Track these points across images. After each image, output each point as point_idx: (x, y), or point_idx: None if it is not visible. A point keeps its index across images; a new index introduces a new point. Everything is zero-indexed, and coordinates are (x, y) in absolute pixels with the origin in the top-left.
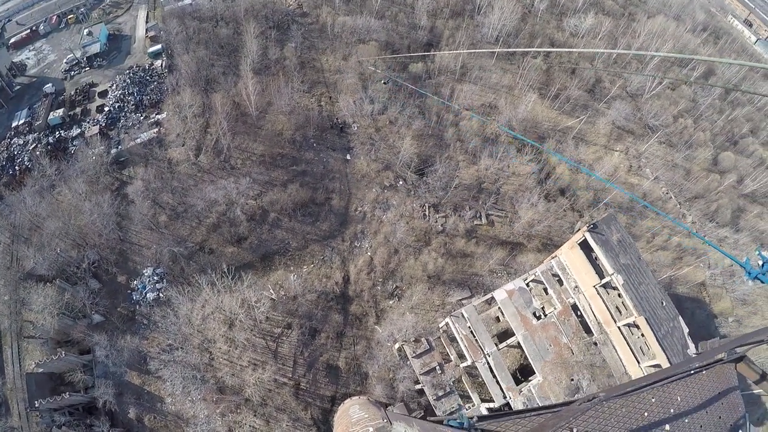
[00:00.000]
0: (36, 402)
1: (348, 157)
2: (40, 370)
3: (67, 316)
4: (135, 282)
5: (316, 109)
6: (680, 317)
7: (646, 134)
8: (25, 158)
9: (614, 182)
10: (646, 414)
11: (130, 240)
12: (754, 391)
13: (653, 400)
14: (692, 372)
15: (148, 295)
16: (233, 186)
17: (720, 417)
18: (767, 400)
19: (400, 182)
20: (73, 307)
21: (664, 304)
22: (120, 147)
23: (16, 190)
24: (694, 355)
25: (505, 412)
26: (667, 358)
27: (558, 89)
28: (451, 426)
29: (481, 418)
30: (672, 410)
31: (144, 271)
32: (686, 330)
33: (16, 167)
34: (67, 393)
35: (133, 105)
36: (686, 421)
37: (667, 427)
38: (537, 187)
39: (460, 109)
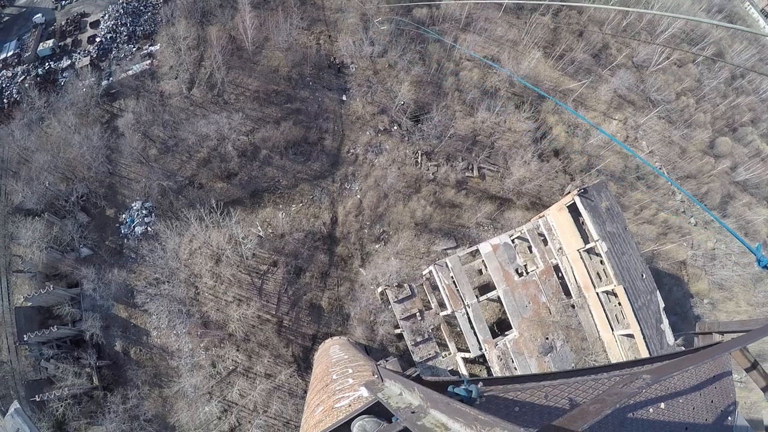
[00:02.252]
0: (24, 336)
1: (344, 98)
2: (29, 303)
3: (55, 250)
4: (123, 216)
5: (315, 47)
6: (658, 292)
7: (647, 107)
8: (14, 90)
9: (609, 151)
10: (644, 390)
11: (119, 173)
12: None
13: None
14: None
15: (136, 228)
16: (225, 121)
17: (712, 401)
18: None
19: (395, 127)
20: (62, 241)
21: (644, 276)
22: (111, 79)
23: (4, 124)
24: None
25: (514, 376)
26: (641, 329)
27: (563, 50)
28: (457, 394)
29: (487, 381)
30: (668, 389)
31: (133, 204)
32: (662, 305)
33: (5, 100)
34: (55, 326)
35: (125, 36)
36: (680, 401)
37: (663, 405)
38: (531, 145)
39: (478, 56)
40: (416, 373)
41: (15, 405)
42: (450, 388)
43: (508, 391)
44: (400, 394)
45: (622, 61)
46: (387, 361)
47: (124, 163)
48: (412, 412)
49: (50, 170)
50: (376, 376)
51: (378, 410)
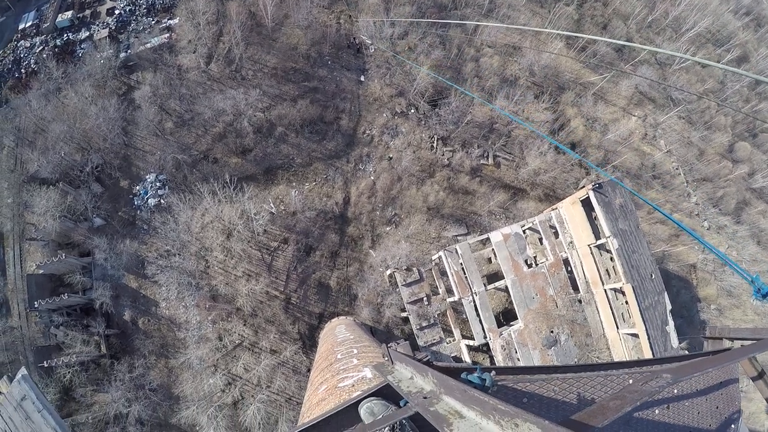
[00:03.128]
0: (36, 302)
1: (362, 78)
2: (41, 271)
3: (68, 219)
4: (137, 187)
5: (335, 26)
6: (666, 293)
7: (667, 106)
8: (32, 61)
9: (627, 147)
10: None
11: (134, 145)
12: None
13: None
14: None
15: (149, 200)
16: (242, 97)
17: (717, 407)
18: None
19: (412, 110)
20: (75, 210)
21: (653, 276)
22: (129, 51)
23: (21, 93)
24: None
25: (525, 367)
26: (646, 330)
27: (586, 42)
28: (470, 382)
29: (500, 370)
30: (675, 391)
31: (147, 176)
32: (669, 307)
33: (22, 70)
34: (66, 294)
35: (144, 9)
36: (686, 404)
37: (668, 406)
38: (549, 136)
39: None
40: (427, 358)
41: (22, 371)
42: (463, 375)
43: (518, 382)
44: (411, 378)
45: (645, 57)
46: (398, 343)
47: (140, 135)
48: (424, 398)
49: (66, 140)
50: (386, 358)
51: (386, 393)
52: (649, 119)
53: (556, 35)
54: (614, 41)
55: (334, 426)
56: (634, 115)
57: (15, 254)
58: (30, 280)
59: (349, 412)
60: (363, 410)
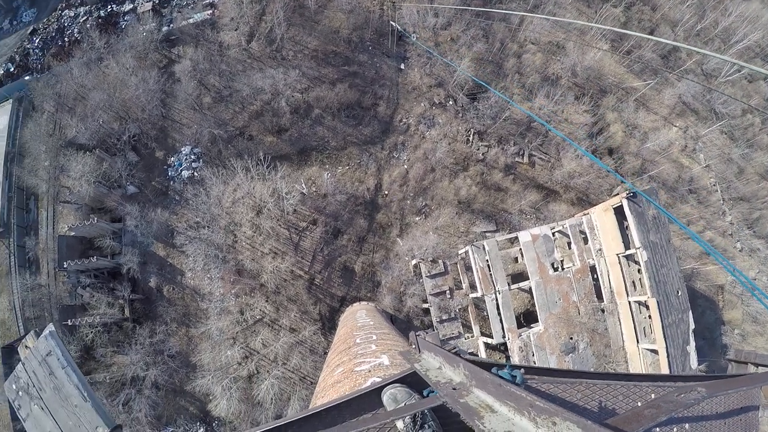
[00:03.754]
0: (65, 263)
1: (402, 66)
2: (72, 233)
3: (102, 185)
4: (172, 159)
5: (378, 12)
6: (690, 312)
7: (710, 119)
8: (75, 30)
9: (665, 158)
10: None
11: (172, 117)
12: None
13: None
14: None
15: (183, 172)
16: (281, 77)
17: None
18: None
19: (450, 102)
20: (110, 177)
21: (680, 293)
22: (171, 25)
23: (63, 61)
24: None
25: (553, 369)
26: (666, 347)
27: (632, 45)
28: (501, 377)
29: (529, 369)
30: (694, 411)
31: (182, 149)
32: (692, 326)
33: (66, 39)
34: (95, 257)
35: None
36: (705, 425)
37: (687, 426)
38: (586, 140)
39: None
40: (455, 350)
41: (50, 327)
42: (493, 370)
43: (543, 383)
44: (439, 368)
45: (691, 67)
46: (426, 332)
47: (178, 108)
48: (453, 389)
49: (105, 109)
50: (413, 346)
51: (410, 381)
52: (690, 131)
53: (601, 36)
54: (665, 41)
55: (355, 409)
56: (675, 126)
57: (48, 215)
58: (61, 241)
59: (370, 397)
60: (386, 396)
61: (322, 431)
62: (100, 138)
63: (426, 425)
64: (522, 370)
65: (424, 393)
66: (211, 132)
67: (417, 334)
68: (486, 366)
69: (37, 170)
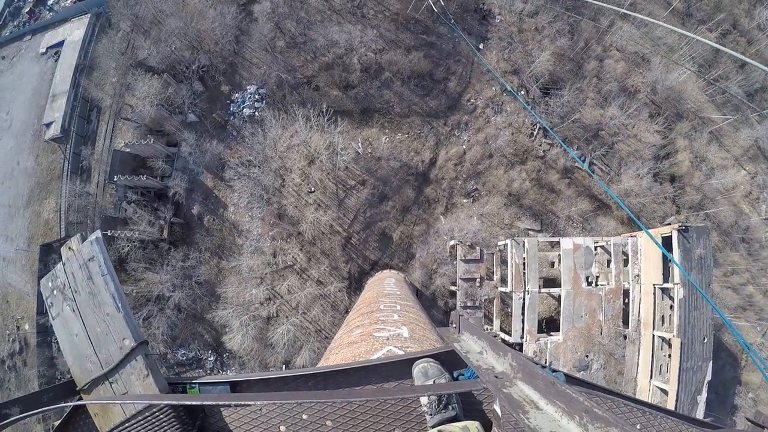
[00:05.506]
0: (116, 176)
1: (481, 46)
2: (127, 149)
3: (165, 109)
4: (236, 95)
5: None
6: (711, 363)
7: None
8: None
9: (726, 199)
10: None
11: (243, 55)
12: None
13: None
14: None
15: (245, 110)
16: (358, 34)
17: None
18: None
19: (522, 92)
20: (173, 102)
21: (705, 341)
22: None
23: None
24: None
25: (588, 382)
26: (677, 391)
27: (719, 75)
28: (548, 375)
29: (571, 379)
30: None
31: (248, 87)
32: (709, 377)
33: None
34: (145, 176)
35: None
36: None
37: None
38: (651, 161)
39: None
40: (496, 337)
41: (97, 233)
42: (542, 366)
43: (575, 392)
44: (480, 353)
45: None
46: (470, 315)
47: (251, 47)
48: (496, 377)
49: (179, 36)
50: (453, 325)
51: (443, 359)
52: (758, 178)
53: (689, 58)
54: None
55: (383, 374)
56: (744, 169)
57: (108, 129)
58: (115, 156)
59: (400, 366)
60: (417, 369)
61: (346, 389)
62: (169, 63)
63: (450, 406)
64: (562, 373)
65: (454, 374)
66: (279, 76)
67: (459, 314)
68: (531, 360)
69: (104, 85)
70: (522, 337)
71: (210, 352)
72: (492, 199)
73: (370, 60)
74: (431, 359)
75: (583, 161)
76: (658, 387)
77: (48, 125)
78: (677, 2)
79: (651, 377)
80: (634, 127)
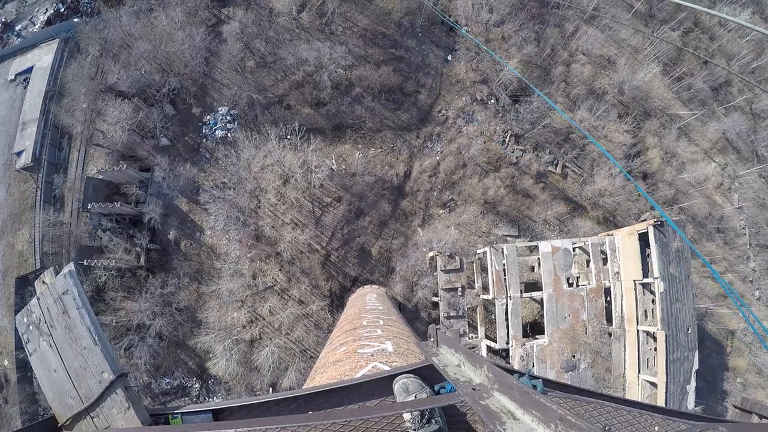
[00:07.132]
0: (89, 204)
1: (449, 57)
2: (100, 176)
3: (136, 134)
4: (208, 117)
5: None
6: (697, 352)
7: (751, 160)
8: None
9: (699, 192)
10: None
11: (213, 76)
12: None
13: None
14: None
15: (217, 132)
16: (327, 51)
17: None
18: None
19: (492, 100)
20: (145, 127)
21: (689, 331)
22: None
23: (114, 8)
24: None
25: (568, 385)
26: (666, 382)
27: (683, 72)
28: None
29: (546, 382)
30: None
31: (219, 108)
32: (696, 366)
33: None
34: (119, 202)
35: None
36: None
37: None
38: (623, 160)
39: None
40: (474, 349)
41: (70, 266)
42: (514, 377)
43: (553, 398)
44: (458, 366)
45: (740, 104)
46: (447, 328)
47: (221, 68)
48: (473, 389)
49: (148, 59)
50: (431, 339)
51: (423, 373)
52: (728, 169)
53: (654, 58)
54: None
55: (364, 393)
56: (714, 161)
57: (80, 156)
58: (88, 183)
59: (380, 383)
60: (398, 385)
61: (328, 410)
62: (140, 87)
63: (433, 420)
64: (541, 381)
65: (435, 388)
66: (250, 96)
67: (437, 327)
68: (507, 371)
69: (75, 111)
70: (508, 343)
71: (195, 379)
72: (468, 208)
73: (340, 76)
74: (411, 374)
75: (555, 164)
76: (647, 380)
77: (19, 154)
78: (639, 4)
79: (639, 371)
80: (604, 128)
